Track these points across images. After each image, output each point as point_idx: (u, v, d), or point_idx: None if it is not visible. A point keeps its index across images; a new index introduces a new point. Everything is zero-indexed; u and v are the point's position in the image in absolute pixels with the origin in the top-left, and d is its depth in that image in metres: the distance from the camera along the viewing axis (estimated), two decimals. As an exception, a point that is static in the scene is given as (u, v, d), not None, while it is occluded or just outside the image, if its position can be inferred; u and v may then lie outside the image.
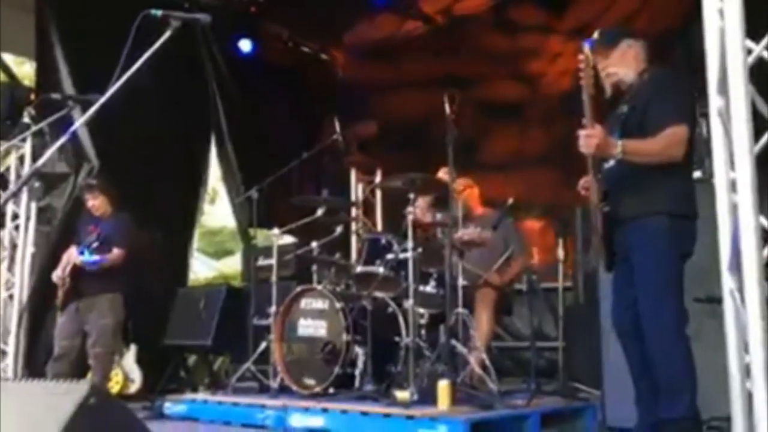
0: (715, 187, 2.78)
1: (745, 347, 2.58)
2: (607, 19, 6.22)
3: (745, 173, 2.62)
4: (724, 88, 2.67)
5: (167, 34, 2.59)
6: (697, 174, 3.67)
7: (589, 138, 2.94)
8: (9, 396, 1.81)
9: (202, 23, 2.74)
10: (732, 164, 2.69)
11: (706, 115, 2.94)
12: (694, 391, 2.88)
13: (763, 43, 2.69)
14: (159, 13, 2.58)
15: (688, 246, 2.99)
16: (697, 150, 3.65)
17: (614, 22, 6.03)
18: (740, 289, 2.62)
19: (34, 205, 5.85)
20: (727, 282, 2.69)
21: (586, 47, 2.98)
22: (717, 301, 3.01)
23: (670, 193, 2.98)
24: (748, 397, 2.57)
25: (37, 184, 5.65)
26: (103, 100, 2.51)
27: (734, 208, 2.68)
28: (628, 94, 3.17)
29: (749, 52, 2.68)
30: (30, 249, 5.76)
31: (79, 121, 2.75)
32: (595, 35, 3.24)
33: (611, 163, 3.10)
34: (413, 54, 7.71)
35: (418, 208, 4.58)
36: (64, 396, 1.70)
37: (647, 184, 2.97)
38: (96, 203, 5.19)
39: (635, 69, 3.16)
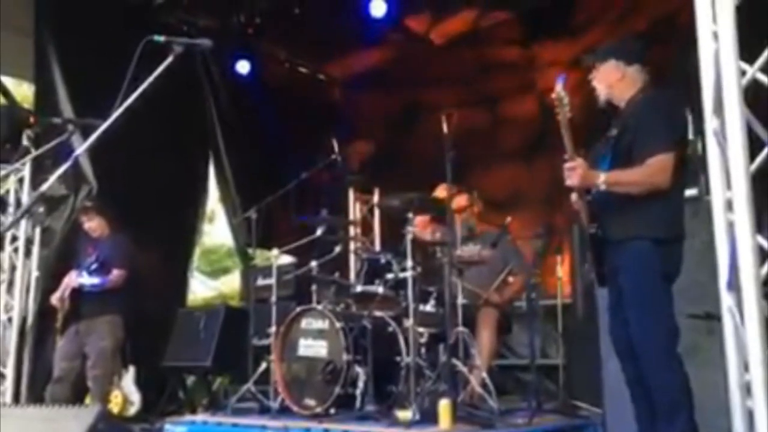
0: (712, 206, 2.82)
1: (745, 365, 2.61)
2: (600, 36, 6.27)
3: (742, 192, 2.66)
4: (719, 109, 2.72)
5: (169, 59, 2.61)
6: (693, 192, 3.70)
7: (571, 170, 3.01)
8: (17, 421, 1.81)
9: (203, 48, 2.76)
10: (728, 184, 2.73)
11: (702, 133, 2.99)
12: (690, 408, 2.90)
13: (757, 64, 2.75)
14: (162, 39, 2.60)
15: (673, 268, 3.03)
16: (693, 168, 3.70)
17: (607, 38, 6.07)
18: (739, 307, 2.65)
19: (38, 230, 5.86)
20: (726, 300, 2.73)
21: (559, 85, 2.99)
22: (716, 318, 3.04)
23: (655, 218, 3.00)
24: (749, 415, 2.59)
25: (41, 209, 5.65)
26: (105, 125, 2.53)
27: (731, 227, 2.72)
28: (619, 117, 3.21)
29: (743, 73, 2.73)
30: (34, 273, 5.76)
31: (82, 147, 2.75)
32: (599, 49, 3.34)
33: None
34: (409, 74, 7.76)
35: (419, 223, 4.61)
36: (74, 421, 1.71)
37: (633, 209, 3.02)
38: (92, 225, 5.20)
39: (619, 90, 3.19)
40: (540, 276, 4.96)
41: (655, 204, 2.98)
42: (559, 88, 2.96)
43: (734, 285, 2.69)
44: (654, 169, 2.94)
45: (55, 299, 5.04)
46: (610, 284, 3.20)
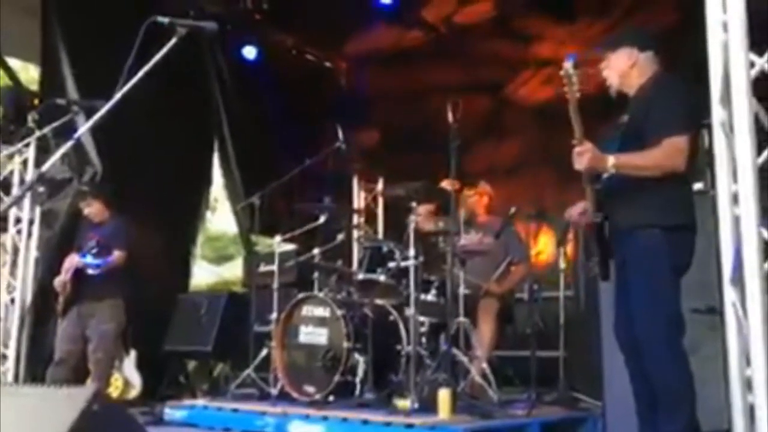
0: (717, 199, 2.78)
1: (746, 360, 2.59)
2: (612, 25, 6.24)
3: (748, 186, 2.63)
4: (727, 101, 2.69)
5: (173, 41, 2.59)
6: (698, 186, 3.66)
7: (580, 155, 2.92)
8: (11, 400, 1.81)
9: (208, 31, 2.74)
10: (734, 176, 2.70)
11: (708, 127, 2.95)
12: (693, 404, 2.85)
13: (767, 56, 2.71)
14: (166, 20, 2.58)
15: (685, 258, 2.93)
16: (699, 161, 3.64)
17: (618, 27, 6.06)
18: (742, 302, 2.63)
19: (38, 210, 5.85)
20: (729, 294, 2.70)
21: (568, 63, 2.88)
22: (717, 312, 3.02)
23: (664, 204, 2.92)
24: (750, 410, 2.57)
25: (41, 189, 5.64)
26: (108, 106, 2.51)
27: (736, 221, 2.69)
28: (631, 103, 3.16)
29: (752, 65, 2.70)
30: (33, 253, 5.76)
31: (84, 127, 2.74)
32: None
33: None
34: (415, 62, 7.72)
35: (420, 216, 4.59)
36: (67, 401, 1.70)
37: (642, 196, 2.93)
38: (92, 210, 5.17)
39: (630, 78, 3.12)
40: (529, 260, 4.99)
41: (666, 190, 2.90)
42: (567, 65, 2.87)
43: (738, 279, 2.67)
44: (669, 152, 2.84)
45: (57, 282, 5.03)
46: (617, 278, 3.12)
